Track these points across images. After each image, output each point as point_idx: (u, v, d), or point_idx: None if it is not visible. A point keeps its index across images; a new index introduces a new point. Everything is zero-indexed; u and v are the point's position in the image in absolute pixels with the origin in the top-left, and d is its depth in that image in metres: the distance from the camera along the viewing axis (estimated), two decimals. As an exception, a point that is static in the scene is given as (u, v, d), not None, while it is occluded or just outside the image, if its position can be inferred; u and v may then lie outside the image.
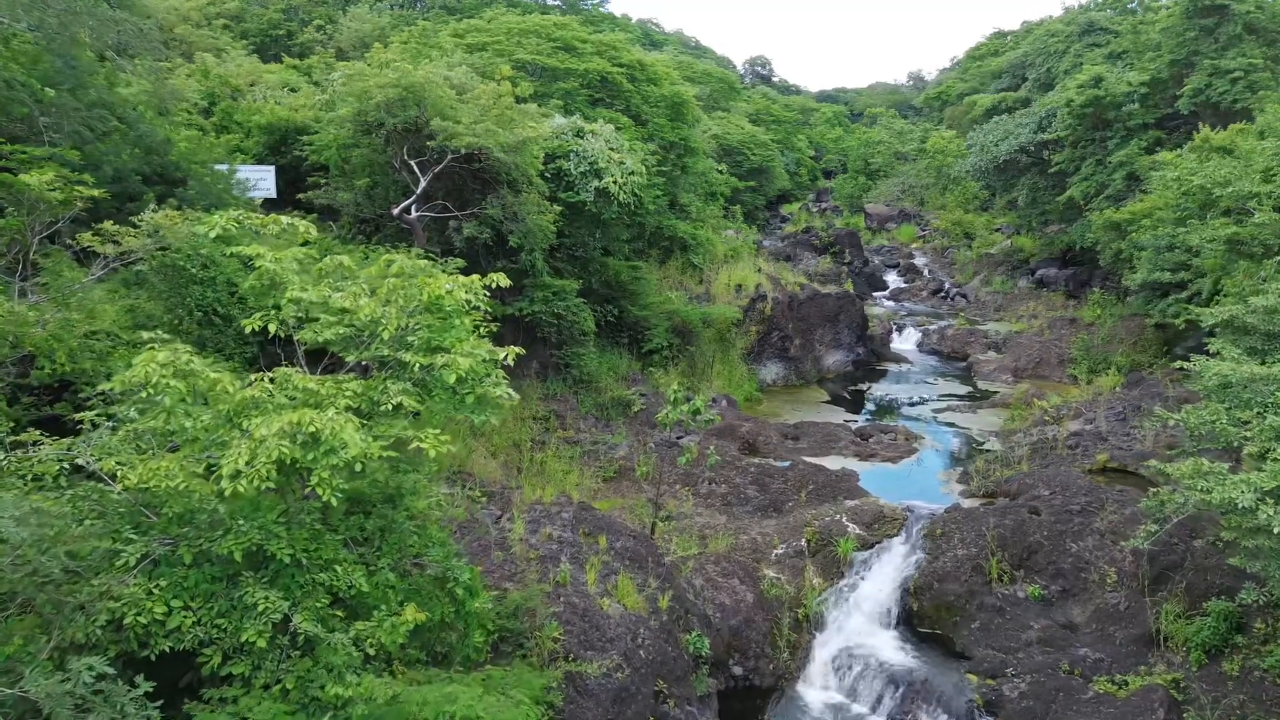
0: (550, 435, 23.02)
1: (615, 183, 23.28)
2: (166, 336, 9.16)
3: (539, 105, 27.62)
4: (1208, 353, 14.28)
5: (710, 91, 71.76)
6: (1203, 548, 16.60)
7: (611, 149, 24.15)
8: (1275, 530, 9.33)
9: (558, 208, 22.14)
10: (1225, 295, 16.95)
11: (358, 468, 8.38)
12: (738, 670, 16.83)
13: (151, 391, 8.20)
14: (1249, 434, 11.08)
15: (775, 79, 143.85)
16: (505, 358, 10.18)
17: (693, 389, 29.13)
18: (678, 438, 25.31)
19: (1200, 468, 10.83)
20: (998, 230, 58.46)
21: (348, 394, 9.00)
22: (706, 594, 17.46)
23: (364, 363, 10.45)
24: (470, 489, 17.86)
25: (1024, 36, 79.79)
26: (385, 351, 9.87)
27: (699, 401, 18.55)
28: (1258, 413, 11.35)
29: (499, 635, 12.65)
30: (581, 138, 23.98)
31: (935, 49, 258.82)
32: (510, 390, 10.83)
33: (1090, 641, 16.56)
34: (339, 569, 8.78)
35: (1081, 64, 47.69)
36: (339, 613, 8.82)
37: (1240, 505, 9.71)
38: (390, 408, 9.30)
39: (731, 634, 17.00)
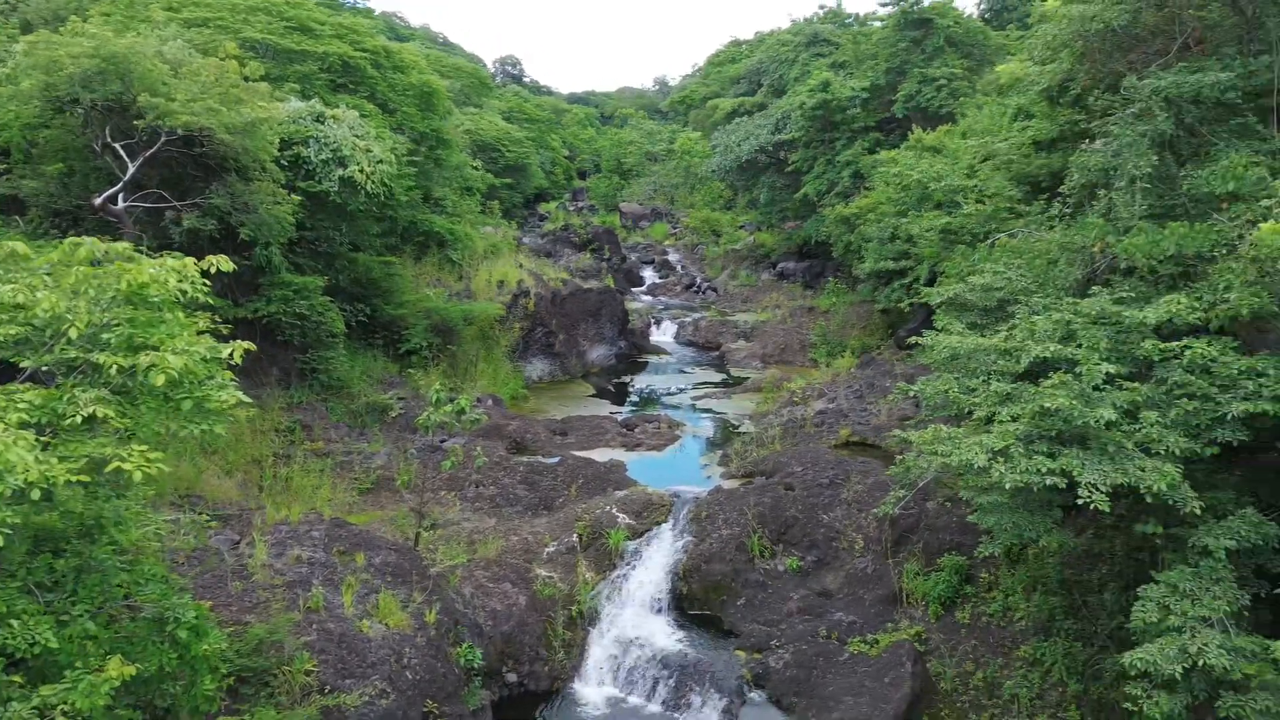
0: (296, 448, 21.04)
1: (362, 171, 21.70)
2: None
3: (273, 88, 25.30)
4: (935, 329, 15.46)
5: (461, 87, 70.04)
6: (935, 508, 18.12)
7: (357, 136, 22.51)
8: (1006, 486, 10.13)
9: (297, 198, 20.23)
10: (945, 277, 18.60)
11: (35, 495, 6.82)
12: (512, 677, 16.18)
13: None
14: (977, 400, 12.02)
15: (526, 79, 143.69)
16: (231, 355, 8.81)
17: (456, 389, 27.98)
18: (441, 441, 24.14)
19: (939, 433, 11.62)
20: (742, 227, 61.80)
21: (21, 406, 7.35)
22: (477, 602, 16.63)
23: (47, 369, 8.67)
24: (200, 513, 15.81)
25: (758, 45, 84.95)
26: (73, 353, 8.21)
27: (463, 401, 17.63)
28: (983, 380, 12.37)
29: (238, 676, 11.12)
30: (322, 123, 22.14)
31: (678, 56, 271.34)
32: (241, 395, 9.46)
33: (844, 605, 17.54)
34: (15, 624, 7.12)
35: (809, 72, 51.39)
36: (17, 678, 7.15)
37: (976, 465, 10.46)
38: (80, 421, 7.72)
39: (505, 640, 16.31)
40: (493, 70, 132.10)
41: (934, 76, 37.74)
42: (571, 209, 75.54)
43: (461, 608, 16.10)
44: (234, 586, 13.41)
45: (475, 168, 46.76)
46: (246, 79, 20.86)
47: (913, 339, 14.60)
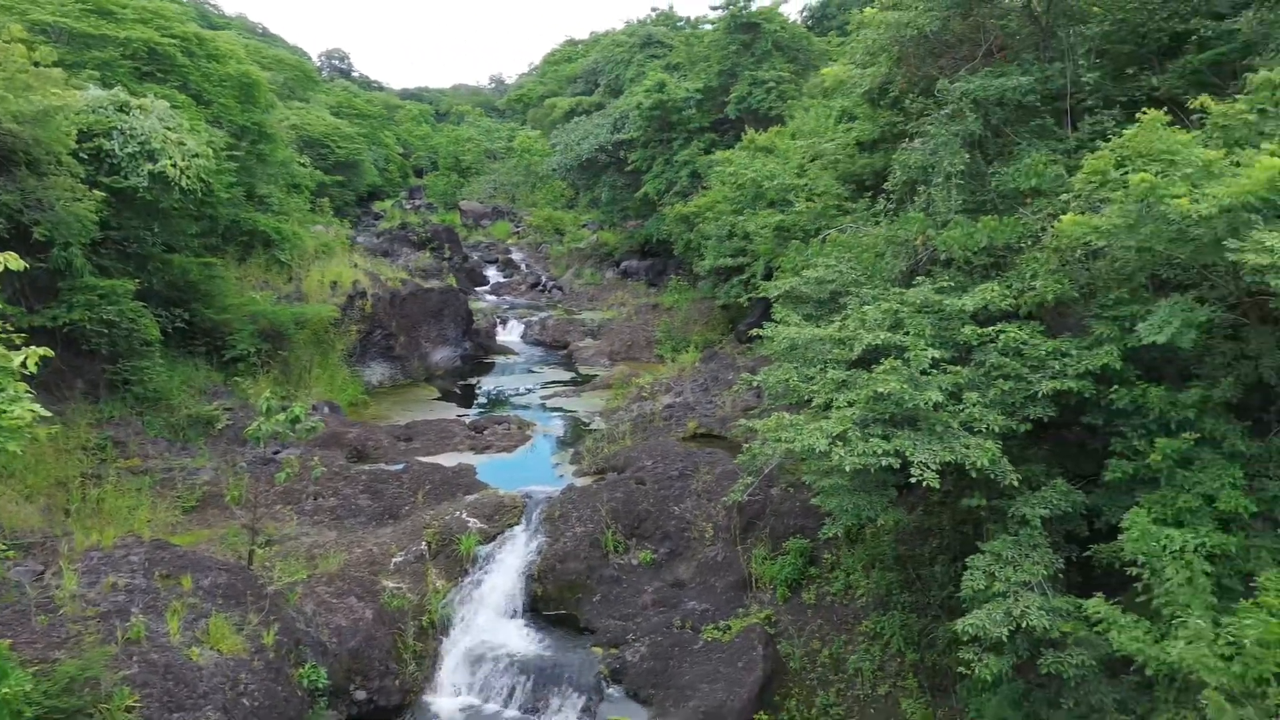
0: (109, 466, 19.27)
1: (175, 166, 20.10)
2: None
3: (68, 77, 23.05)
4: (775, 322, 15.98)
5: (285, 80, 66.57)
6: (779, 494, 18.76)
7: (168, 128, 20.83)
8: (846, 468, 10.58)
9: (100, 194, 18.48)
10: (781, 272, 19.28)
11: None
12: (361, 695, 15.46)
13: None
14: (815, 387, 12.50)
15: (355, 74, 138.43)
16: (24, 363, 7.90)
17: (289, 397, 26.49)
18: (274, 452, 22.79)
19: (782, 421, 12.00)
20: (585, 226, 61.95)
21: None
22: (320, 619, 15.79)
23: None
24: (-5, 543, 14.16)
25: (593, 45, 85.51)
26: None
27: (297, 409, 16.66)
28: (820, 369, 12.88)
29: (46, 720, 10.03)
30: (127, 113, 20.34)
31: (514, 54, 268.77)
32: (40, 408, 8.52)
33: (697, 594, 17.86)
34: None
35: (645, 73, 52.11)
36: None
37: (817, 450, 10.86)
38: None
39: (351, 657, 15.57)
40: (319, 64, 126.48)
41: (764, 79, 39.10)
42: (408, 207, 73.28)
43: (303, 626, 15.24)
44: (39, 621, 12.08)
45: (303, 164, 44.50)
46: (37, 64, 18.90)
47: (754, 332, 15.03)
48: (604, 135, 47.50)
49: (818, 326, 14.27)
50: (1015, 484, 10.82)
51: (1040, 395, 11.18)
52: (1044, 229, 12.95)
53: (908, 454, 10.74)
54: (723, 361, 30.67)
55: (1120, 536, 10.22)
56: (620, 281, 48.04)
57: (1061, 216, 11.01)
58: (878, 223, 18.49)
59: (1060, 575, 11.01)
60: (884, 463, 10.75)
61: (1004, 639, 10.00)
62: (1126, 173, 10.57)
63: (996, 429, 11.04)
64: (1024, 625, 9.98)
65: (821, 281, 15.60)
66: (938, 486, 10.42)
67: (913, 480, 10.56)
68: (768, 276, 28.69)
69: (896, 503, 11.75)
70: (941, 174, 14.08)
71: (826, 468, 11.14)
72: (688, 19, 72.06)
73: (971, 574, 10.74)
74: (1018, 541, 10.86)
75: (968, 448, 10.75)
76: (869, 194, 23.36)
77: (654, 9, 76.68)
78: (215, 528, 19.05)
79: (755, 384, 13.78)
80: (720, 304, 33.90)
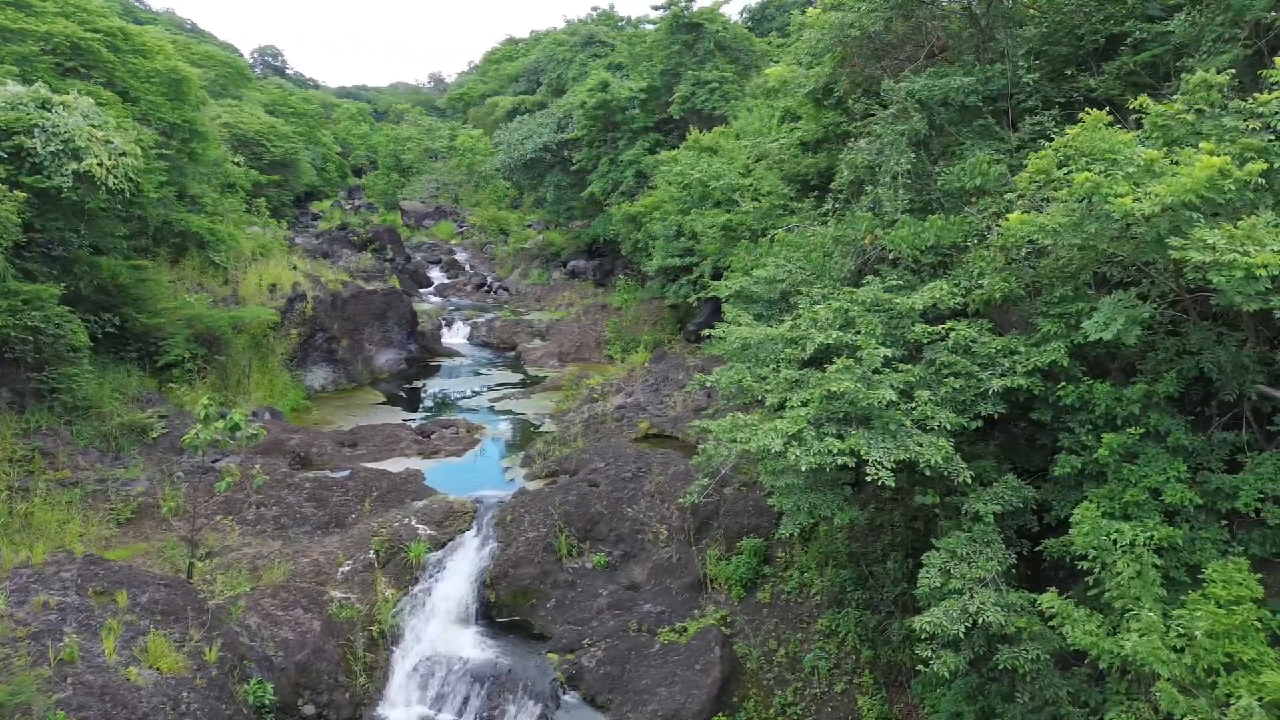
0: (36, 479, 18.41)
1: (101, 165, 19.30)
2: None
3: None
4: (725, 322, 15.96)
5: (216, 76, 64.73)
6: (733, 494, 18.78)
7: (93, 126, 19.98)
8: (802, 468, 10.57)
9: (21, 195, 17.63)
10: (731, 271, 19.28)
11: None
12: (309, 710, 15.03)
13: None
14: (769, 387, 12.49)
15: (290, 71, 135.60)
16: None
17: (227, 403, 25.70)
18: (213, 461, 22.03)
19: (737, 421, 11.94)
20: (530, 226, 61.46)
21: None
22: (265, 632, 15.31)
23: None
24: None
25: (534, 45, 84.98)
26: None
27: (237, 415, 16.11)
28: (773, 368, 12.87)
29: (-28, 752, 9.49)
30: (49, 110, 19.45)
31: (453, 53, 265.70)
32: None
33: (652, 597, 17.77)
34: None
35: (588, 72, 51.89)
36: None
37: (773, 450, 10.83)
38: None
39: (299, 671, 15.13)
40: (251, 61, 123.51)
41: (707, 79, 39.19)
42: (348, 207, 71.91)
43: (247, 640, 14.75)
44: (-38, 648, 11.45)
45: (237, 163, 43.30)
46: None
47: (705, 332, 14.97)
48: (548, 135, 47.16)
49: (769, 326, 14.28)
50: (968, 481, 10.94)
51: (990, 393, 11.33)
52: (989, 228, 13.14)
53: (862, 453, 10.77)
54: (673, 361, 30.66)
55: (1070, 531, 10.40)
56: (568, 282, 47.76)
57: (1008, 215, 11.15)
58: (824, 222, 18.61)
59: (1013, 570, 11.16)
60: (839, 462, 10.77)
61: (960, 635, 10.09)
62: (1070, 172, 10.75)
63: (949, 426, 11.15)
64: (980, 622, 10.09)
65: (772, 281, 15.61)
66: (893, 485, 10.47)
67: (868, 479, 10.59)
68: (716, 276, 28.74)
69: (850, 500, 11.78)
70: (888, 173, 14.20)
71: (781, 467, 11.12)
72: (628, 19, 72.09)
73: (927, 571, 10.82)
74: (972, 538, 10.98)
75: (921, 446, 10.83)
76: (814, 193, 23.54)
77: (594, 8, 76.67)
78: (152, 540, 18.35)
79: (708, 384, 13.71)
80: (669, 303, 33.88)
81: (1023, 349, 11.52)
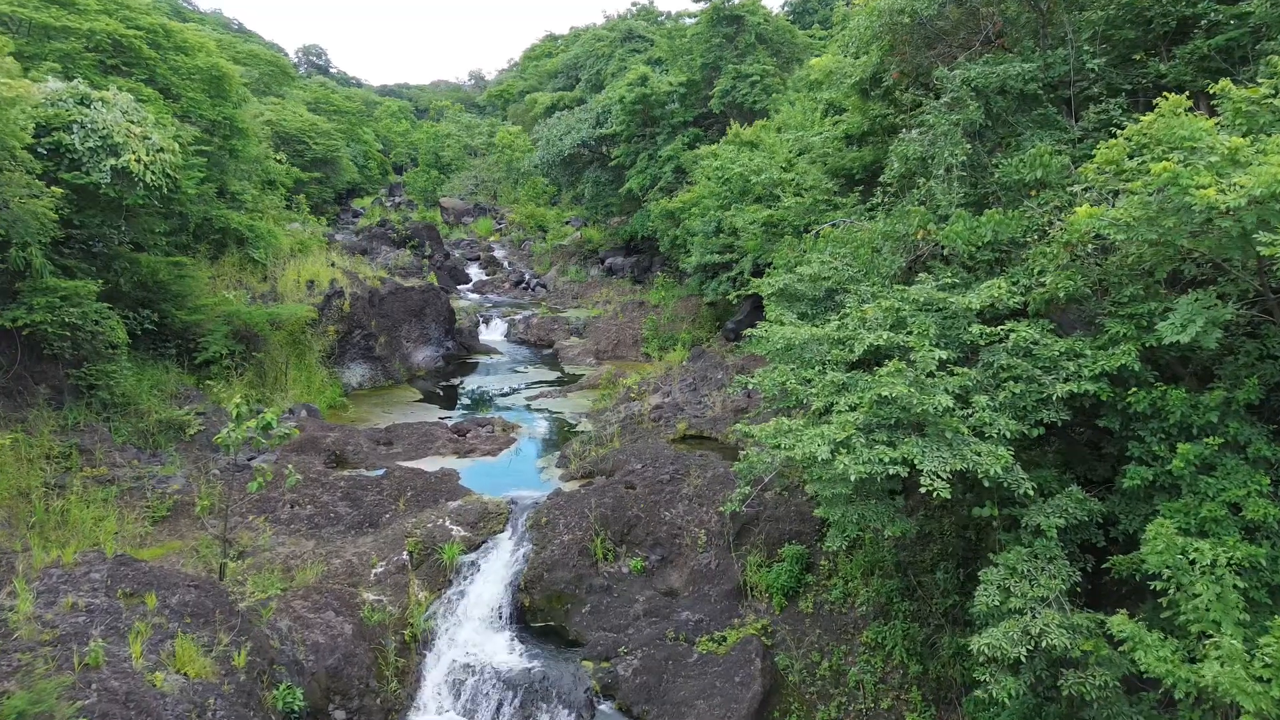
0: (73, 475, 18.39)
1: (139, 161, 19.22)
2: None
3: (28, 69, 22.09)
4: (766, 320, 15.37)
5: (260, 75, 65.38)
6: (774, 499, 18.16)
7: (132, 121, 19.93)
8: (851, 477, 9.95)
9: (59, 191, 17.59)
10: (774, 268, 18.65)
11: None
12: (339, 715, 14.74)
13: None
14: (814, 390, 11.88)
15: (334, 70, 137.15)
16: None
17: (264, 400, 25.69)
18: (249, 459, 21.99)
19: (781, 427, 11.35)
20: (568, 223, 61.19)
21: None
22: (296, 635, 15.05)
23: None
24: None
25: (573, 41, 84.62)
26: None
27: (269, 415, 15.88)
28: (819, 370, 12.25)
29: (-8, 762, 9.27)
30: (88, 106, 19.42)
31: (493, 50, 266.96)
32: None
33: (690, 604, 17.23)
34: None
35: (626, 67, 51.35)
36: None
37: (820, 458, 10.23)
38: None
39: (330, 675, 14.85)
40: (296, 60, 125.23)
41: (748, 73, 38.46)
42: (389, 204, 72.44)
43: (278, 644, 14.50)
44: (-11, 649, 11.30)
45: (279, 160, 43.52)
46: None
47: (747, 332, 14.37)
48: (586, 130, 46.73)
49: (814, 325, 13.66)
50: (1030, 493, 10.23)
51: (1054, 398, 10.60)
52: (1051, 222, 12.38)
53: (916, 462, 10.13)
54: (711, 360, 30.05)
55: (1141, 548, 9.66)
56: (605, 279, 47.32)
57: (1075, 209, 10.41)
58: (872, 217, 17.91)
59: (1077, 589, 10.44)
60: (890, 471, 10.14)
61: (1021, 659, 9.42)
62: (1143, 162, 10.01)
63: (1008, 434, 10.45)
64: (1043, 644, 9.41)
65: (817, 278, 14.96)
66: (949, 497, 9.82)
67: (923, 490, 9.94)
68: (756, 273, 28.10)
69: (901, 512, 11.12)
70: (942, 165, 13.49)
71: (829, 476, 10.50)
72: (668, 13, 71.42)
73: (985, 588, 10.14)
74: (1033, 553, 10.28)
75: (979, 455, 10.15)
76: (859, 188, 22.81)
77: (634, 4, 75.94)
78: (187, 539, 18.25)
79: (750, 386, 13.11)
80: (707, 301, 33.27)
81: (1089, 351, 10.77)
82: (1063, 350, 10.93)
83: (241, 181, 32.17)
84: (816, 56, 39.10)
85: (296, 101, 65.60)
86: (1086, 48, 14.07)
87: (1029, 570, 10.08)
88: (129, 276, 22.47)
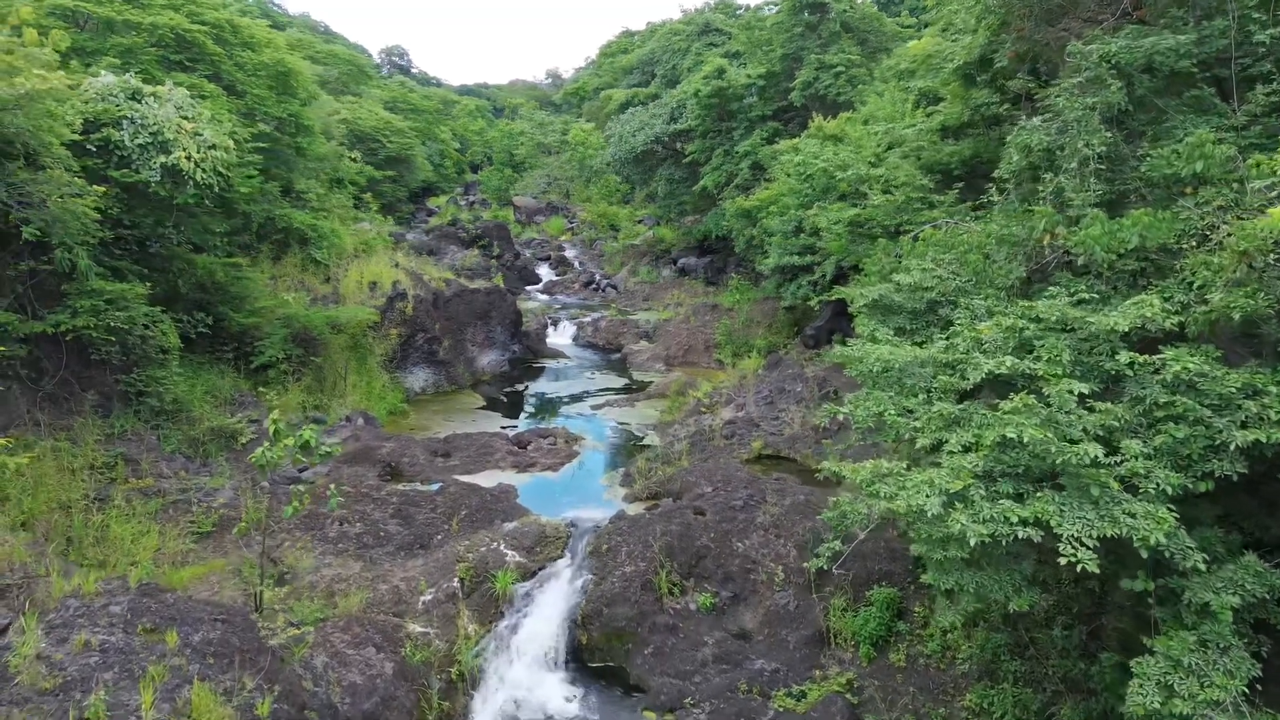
0: (116, 487, 17.60)
1: (189, 158, 18.34)
2: None
3: (89, 64, 21.56)
4: (856, 333, 13.50)
5: (339, 74, 65.80)
6: (862, 533, 16.18)
7: (184, 117, 19.08)
8: (972, 542, 8.05)
9: (100, 189, 16.76)
10: (866, 274, 16.70)
11: None
12: (377, 766, 13.40)
13: None
14: (918, 424, 9.99)
15: (415, 70, 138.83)
16: None
17: (321, 407, 24.82)
18: (300, 470, 21.03)
19: (879, 470, 9.50)
20: (640, 222, 59.70)
21: None
22: (332, 675, 13.77)
23: None
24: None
25: (650, 36, 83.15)
26: None
27: (308, 433, 14.68)
28: (923, 400, 10.35)
29: None
30: (139, 101, 18.64)
31: (570, 48, 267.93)
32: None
33: (765, 650, 15.44)
34: None
35: (702, 61, 49.57)
36: None
37: (930, 513, 8.36)
38: None
39: (367, 721, 13.54)
40: (379, 61, 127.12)
41: (832, 63, 36.27)
42: (463, 203, 72.20)
43: (311, 686, 13.24)
44: (-11, 695, 10.26)
45: (353, 159, 43.14)
46: (64, 55, 17.24)
47: (839, 349, 12.48)
48: (659, 126, 45.13)
49: (916, 344, 11.74)
50: (1201, 567, 8.17)
51: (1233, 447, 8.47)
52: (1213, 226, 10.20)
53: (1051, 524, 8.18)
54: (788, 369, 28.07)
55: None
56: (677, 279, 45.64)
57: (1260, 210, 8.30)
58: (979, 217, 15.80)
59: (1257, 685, 8.34)
60: (1020, 534, 8.21)
61: (1194, 782, 7.43)
62: (1355, 151, 7.86)
63: (1169, 490, 8.40)
64: (1224, 766, 7.40)
65: (917, 288, 13.00)
66: (1097, 570, 7.83)
67: (1063, 561, 7.98)
68: (838, 276, 26.04)
69: (1030, 581, 9.16)
70: (1074, 157, 11.39)
71: (940, 535, 8.62)
72: (746, 5, 69.22)
73: (1142, 685, 8.11)
74: (1200, 641, 8.22)
75: (1134, 516, 8.13)
76: (957, 185, 20.62)
77: (712, -3, 74.04)
78: (230, 557, 17.26)
79: (841, 416, 11.26)
80: (785, 305, 31.28)
81: (1275, 388, 8.63)
82: (1239, 386, 8.78)
83: (308, 180, 31.54)
84: (905, 44, 36.70)
85: (373, 100, 65.74)
86: (1255, 15, 11.76)
87: (1197, 664, 8.03)
88: (186, 278, 21.77)
